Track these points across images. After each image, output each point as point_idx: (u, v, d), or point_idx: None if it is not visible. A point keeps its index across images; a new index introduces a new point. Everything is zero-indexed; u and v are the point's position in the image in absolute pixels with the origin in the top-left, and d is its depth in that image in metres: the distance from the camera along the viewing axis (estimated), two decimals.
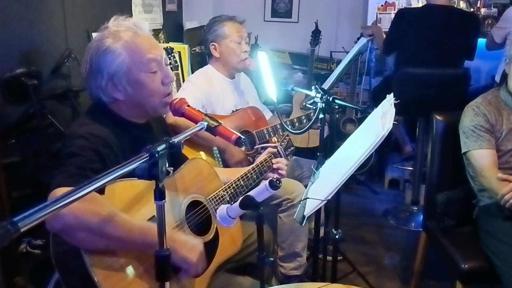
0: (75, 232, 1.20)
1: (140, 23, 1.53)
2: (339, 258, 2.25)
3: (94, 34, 3.02)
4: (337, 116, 2.08)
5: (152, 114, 1.59)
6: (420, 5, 3.98)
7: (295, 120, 2.61)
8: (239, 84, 2.63)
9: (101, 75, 1.45)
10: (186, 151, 2.21)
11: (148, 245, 1.25)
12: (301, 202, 1.55)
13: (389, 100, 1.55)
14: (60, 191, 1.20)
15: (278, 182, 1.31)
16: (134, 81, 1.47)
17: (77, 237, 1.21)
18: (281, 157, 2.00)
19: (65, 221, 1.17)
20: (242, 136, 1.43)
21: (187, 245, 1.37)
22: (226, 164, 2.34)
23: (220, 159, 2.33)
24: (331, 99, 1.98)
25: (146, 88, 1.49)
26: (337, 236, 1.96)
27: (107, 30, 1.48)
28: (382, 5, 4.22)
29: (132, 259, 1.31)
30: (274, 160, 1.92)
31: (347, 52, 2.92)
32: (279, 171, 1.92)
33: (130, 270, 1.30)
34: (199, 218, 1.58)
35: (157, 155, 1.08)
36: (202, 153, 2.30)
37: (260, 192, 1.33)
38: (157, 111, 1.57)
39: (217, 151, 2.32)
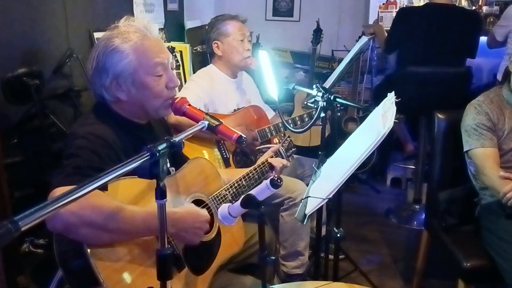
0: (77, 229, 1.20)
1: (150, 25, 1.53)
2: (341, 256, 2.25)
3: (95, 34, 3.03)
4: (338, 114, 2.08)
5: (153, 115, 1.59)
6: (421, 3, 3.98)
7: (296, 118, 2.61)
8: (242, 83, 2.64)
9: (106, 73, 1.46)
10: (189, 148, 2.21)
11: (151, 231, 1.29)
12: (302, 200, 1.55)
13: (390, 99, 1.55)
14: (58, 191, 1.20)
15: (279, 180, 1.31)
16: (138, 83, 1.47)
17: (80, 234, 1.21)
18: (282, 158, 2.01)
19: (65, 220, 1.18)
20: (243, 135, 1.44)
21: (193, 228, 1.41)
22: (227, 164, 2.34)
23: (221, 160, 2.33)
24: (332, 97, 1.98)
25: (149, 91, 1.49)
26: (338, 235, 1.95)
27: (117, 29, 1.49)
28: (383, 4, 4.21)
29: (136, 257, 1.32)
30: (270, 159, 1.93)
31: (349, 51, 2.91)
32: (274, 165, 1.93)
33: (134, 268, 1.30)
34: None
35: (158, 154, 1.08)
36: (205, 152, 2.30)
37: (261, 190, 1.33)
38: (159, 113, 1.58)
39: (218, 153, 2.32)
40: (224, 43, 2.48)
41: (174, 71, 1.65)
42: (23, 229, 0.73)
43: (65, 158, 1.35)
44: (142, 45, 1.47)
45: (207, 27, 2.62)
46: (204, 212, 1.46)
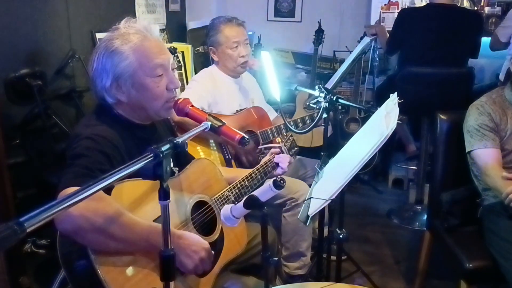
0: (86, 234, 1.20)
1: (150, 27, 1.53)
2: (343, 257, 2.25)
3: (98, 35, 3.04)
4: (340, 115, 2.08)
5: (154, 117, 1.59)
6: (423, 4, 3.97)
7: (298, 120, 2.61)
8: (244, 83, 2.64)
9: (106, 75, 1.46)
10: (191, 148, 2.21)
11: (152, 246, 1.27)
12: (305, 201, 1.55)
13: (393, 100, 1.55)
14: (69, 191, 1.20)
15: (282, 181, 1.31)
16: (138, 85, 1.47)
17: (88, 238, 1.21)
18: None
19: (76, 222, 1.17)
20: (245, 136, 1.44)
21: (189, 249, 1.36)
22: (229, 165, 2.34)
23: (223, 161, 2.33)
24: (334, 98, 1.98)
25: (149, 92, 1.49)
26: (341, 236, 1.96)
27: (117, 31, 1.48)
28: (385, 4, 4.21)
29: (139, 259, 1.32)
30: (276, 156, 1.94)
31: (351, 52, 2.92)
32: (280, 164, 1.93)
33: (137, 269, 1.30)
34: (204, 219, 1.59)
35: (161, 155, 1.08)
36: (207, 153, 2.30)
37: (264, 191, 1.34)
38: (160, 115, 1.57)
39: (220, 153, 2.32)
40: (218, 51, 2.48)
41: (176, 72, 1.64)
42: (28, 230, 0.73)
43: (71, 159, 1.35)
44: (142, 46, 1.46)
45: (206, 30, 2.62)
46: (205, 242, 1.43)
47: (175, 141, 1.16)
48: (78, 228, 1.19)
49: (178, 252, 1.33)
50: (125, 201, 1.31)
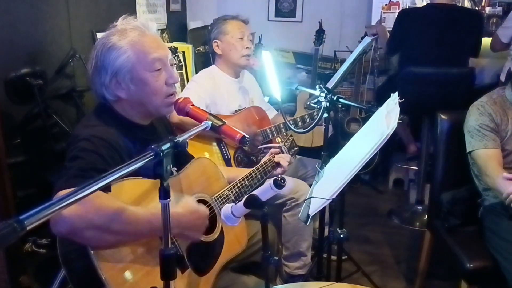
0: (82, 232, 1.19)
1: (148, 23, 1.54)
2: (343, 257, 2.25)
3: (98, 34, 3.04)
4: (341, 115, 2.08)
5: (154, 114, 1.58)
6: (424, 4, 3.97)
7: (298, 119, 2.61)
8: (244, 83, 2.64)
9: (105, 71, 1.46)
10: (190, 148, 2.21)
11: (155, 231, 1.28)
12: (305, 201, 1.55)
13: (394, 99, 1.55)
14: (62, 194, 1.20)
15: (282, 181, 1.31)
16: (137, 80, 1.47)
17: (84, 237, 1.20)
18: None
19: (70, 223, 1.17)
20: (246, 135, 1.44)
21: (195, 226, 1.42)
22: (228, 165, 2.34)
23: (222, 160, 2.33)
24: (335, 98, 1.98)
25: (148, 87, 1.48)
26: (341, 236, 1.96)
27: (115, 28, 1.50)
28: (386, 4, 4.21)
29: (140, 258, 1.32)
30: (276, 156, 1.94)
31: (351, 52, 2.92)
32: (280, 163, 1.93)
33: (137, 268, 1.30)
34: None
35: (161, 154, 1.08)
36: (206, 152, 2.30)
37: (264, 191, 1.33)
38: (160, 111, 1.56)
39: (219, 153, 2.32)
40: (223, 42, 2.49)
41: (175, 70, 1.64)
42: (28, 228, 0.73)
43: (68, 161, 1.35)
44: (140, 41, 1.47)
45: (209, 27, 2.63)
46: (203, 207, 1.46)
47: (175, 140, 1.16)
48: (73, 227, 1.18)
49: (187, 234, 1.41)
50: (125, 199, 1.31)
